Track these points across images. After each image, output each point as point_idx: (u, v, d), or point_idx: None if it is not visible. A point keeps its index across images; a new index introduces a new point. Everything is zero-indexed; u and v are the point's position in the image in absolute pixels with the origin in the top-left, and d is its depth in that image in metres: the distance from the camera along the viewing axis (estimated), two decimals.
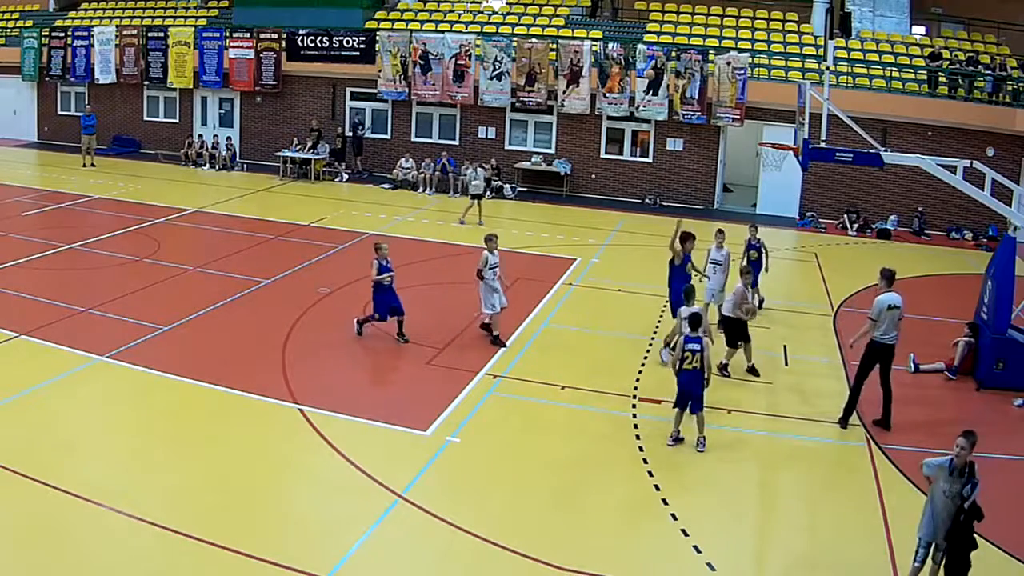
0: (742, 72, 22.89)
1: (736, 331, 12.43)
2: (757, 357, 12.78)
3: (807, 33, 25.34)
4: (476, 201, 21.23)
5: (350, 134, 26.81)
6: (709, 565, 8.02)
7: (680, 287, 12.30)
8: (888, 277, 11.20)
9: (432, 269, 17.27)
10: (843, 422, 11.07)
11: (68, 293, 14.66)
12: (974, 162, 12.96)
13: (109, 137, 29.49)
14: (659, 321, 14.19)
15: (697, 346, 10.10)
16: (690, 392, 10.18)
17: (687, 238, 13.04)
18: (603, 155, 25.32)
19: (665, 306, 14.05)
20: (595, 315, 15.00)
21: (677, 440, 10.32)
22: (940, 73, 23.15)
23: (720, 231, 14.21)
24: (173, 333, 13.15)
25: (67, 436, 9.91)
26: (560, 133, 25.51)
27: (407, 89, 25.95)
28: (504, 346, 13.09)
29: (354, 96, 27.35)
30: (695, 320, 10.34)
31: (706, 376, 10.21)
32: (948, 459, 7.31)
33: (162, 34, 28.52)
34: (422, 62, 25.44)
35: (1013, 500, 9.58)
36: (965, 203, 17.66)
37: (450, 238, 19.74)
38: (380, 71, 25.99)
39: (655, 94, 23.78)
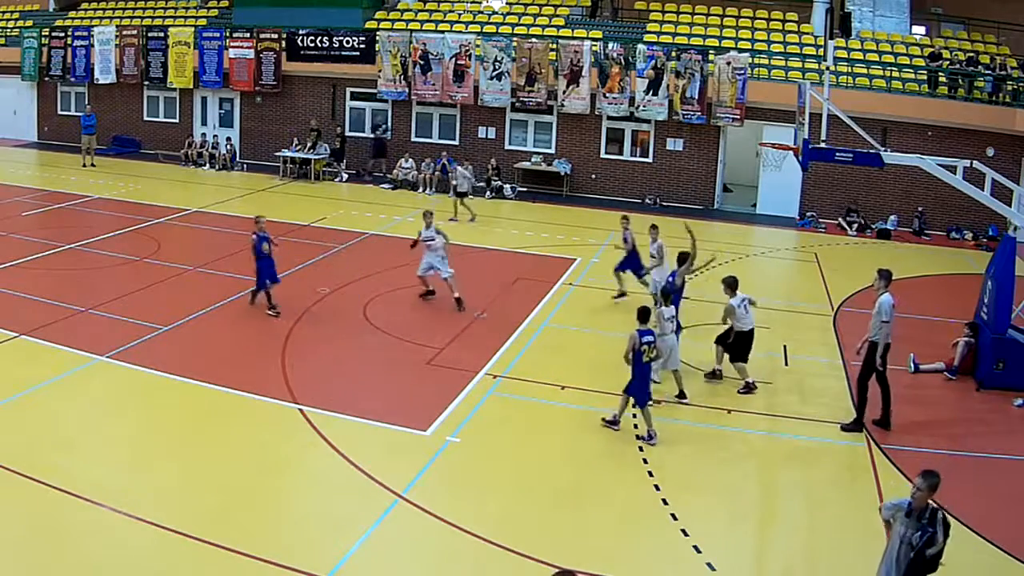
0: (742, 72, 22.89)
1: (738, 345, 12.14)
2: (757, 357, 12.78)
3: (807, 33, 25.34)
4: (459, 199, 21.42)
5: (371, 136, 26.72)
6: (709, 565, 8.02)
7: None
8: (888, 277, 11.17)
9: None
10: (859, 425, 10.95)
11: (68, 293, 14.65)
12: (974, 162, 12.96)
13: (109, 137, 29.48)
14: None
15: (651, 338, 10.40)
16: (646, 383, 10.41)
17: (684, 258, 12.76)
18: (603, 155, 25.31)
19: None
20: (595, 315, 14.99)
21: (654, 436, 10.37)
22: (940, 73, 23.15)
23: (654, 226, 14.73)
24: (173, 333, 13.15)
25: (67, 436, 9.91)
26: (560, 133, 25.51)
27: (407, 89, 25.94)
28: (430, 295, 14.83)
29: (354, 96, 27.35)
30: (643, 313, 10.57)
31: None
32: (907, 500, 6.67)
33: (162, 34, 28.51)
34: (422, 62, 25.44)
35: (1013, 500, 9.59)
36: (965, 203, 17.64)
37: (450, 238, 19.69)
38: (380, 71, 25.98)
39: (655, 94, 23.77)
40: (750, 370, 12.17)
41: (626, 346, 10.36)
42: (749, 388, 11.95)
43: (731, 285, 12.02)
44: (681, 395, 11.54)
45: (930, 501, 6.58)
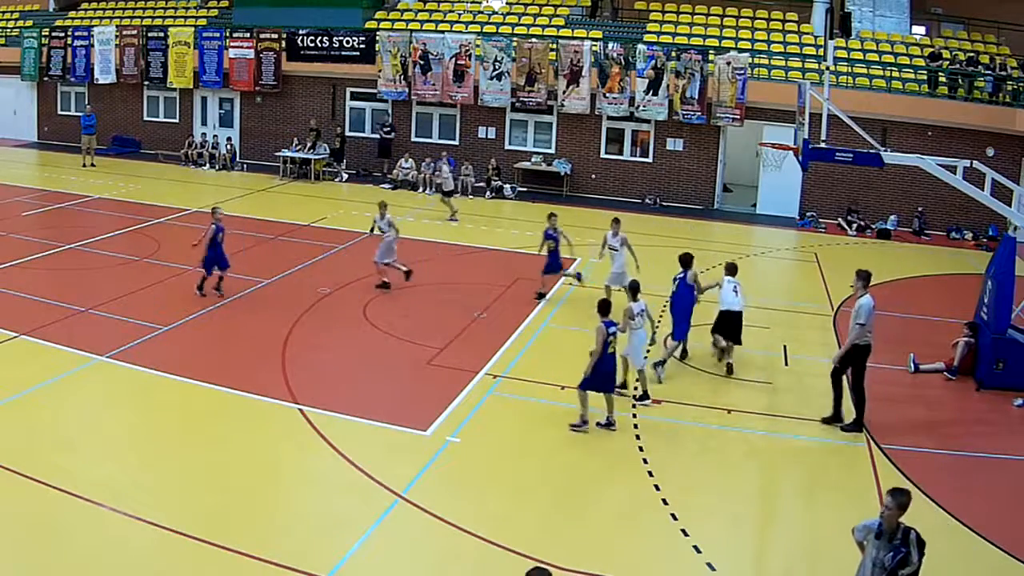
0: (742, 72, 22.90)
1: (728, 326, 12.62)
2: (757, 357, 12.79)
3: (807, 33, 25.35)
4: (447, 198, 21.57)
5: (377, 136, 26.69)
6: (709, 565, 8.02)
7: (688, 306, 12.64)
8: (866, 278, 11.10)
9: (432, 269, 17.27)
10: (859, 425, 10.92)
11: (68, 293, 14.66)
12: (974, 162, 12.97)
13: (109, 137, 29.48)
14: (659, 321, 14.18)
15: (615, 328, 10.55)
16: (612, 373, 10.61)
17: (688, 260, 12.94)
18: (603, 155, 25.32)
19: (665, 305, 14.04)
20: (595, 315, 14.92)
21: (585, 423, 10.53)
22: (940, 73, 23.16)
23: (616, 220, 14.83)
24: (173, 333, 13.15)
25: (67, 436, 9.92)
26: (560, 133, 25.51)
27: (407, 89, 25.94)
28: (409, 274, 15.42)
29: (354, 96, 27.35)
30: (604, 305, 10.73)
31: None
32: (877, 521, 6.32)
33: (162, 34, 28.52)
34: (422, 62, 25.44)
35: (1013, 500, 9.59)
36: (965, 203, 17.67)
37: (450, 238, 19.74)
38: (380, 71, 25.98)
39: (655, 94, 23.78)
40: (749, 369, 12.25)
41: (595, 339, 10.40)
42: (722, 351, 12.73)
43: (728, 268, 13.11)
44: (622, 385, 11.61)
45: (902, 521, 6.27)
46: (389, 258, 15.40)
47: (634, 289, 11.62)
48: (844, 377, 11.00)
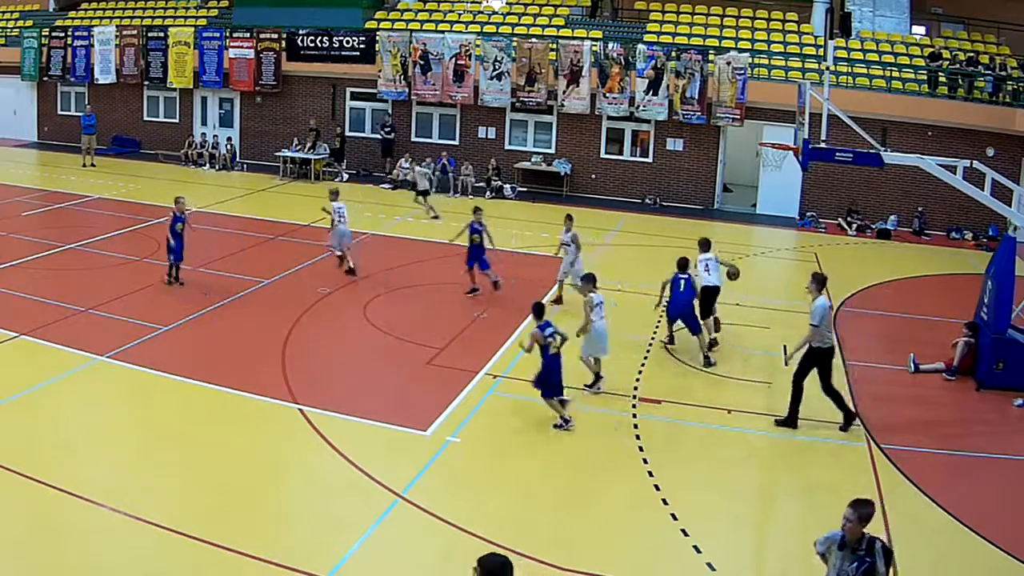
0: (742, 72, 22.90)
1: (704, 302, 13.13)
2: (756, 357, 12.78)
3: (807, 33, 25.35)
4: (421, 197, 21.62)
5: (377, 136, 26.69)
6: (709, 565, 8.02)
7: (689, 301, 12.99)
8: (821, 282, 11.10)
9: (431, 269, 17.29)
10: (792, 422, 10.91)
11: (68, 293, 14.65)
12: (974, 162, 12.97)
13: (109, 137, 29.47)
14: (659, 321, 14.20)
15: (552, 330, 10.55)
16: (559, 373, 10.57)
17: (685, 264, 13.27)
18: (603, 155, 25.32)
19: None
20: None
21: (567, 420, 10.57)
22: (940, 73, 23.16)
23: (569, 216, 15.28)
24: (173, 333, 13.15)
25: (67, 436, 9.91)
26: (560, 133, 25.51)
27: (407, 89, 25.95)
28: (354, 274, 16.13)
29: (354, 96, 27.35)
30: (538, 308, 10.74)
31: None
32: (839, 532, 6.16)
33: (162, 34, 28.52)
34: (422, 62, 25.45)
35: (1013, 500, 9.59)
36: (965, 203, 17.65)
37: (449, 238, 19.69)
38: (380, 71, 25.99)
39: (655, 94, 23.78)
40: (749, 369, 12.26)
41: (527, 342, 10.51)
42: (711, 343, 13.12)
43: (700, 244, 13.59)
44: (596, 378, 11.63)
45: (865, 532, 6.11)
46: (345, 245, 16.28)
47: (592, 280, 11.67)
48: (804, 382, 10.94)
